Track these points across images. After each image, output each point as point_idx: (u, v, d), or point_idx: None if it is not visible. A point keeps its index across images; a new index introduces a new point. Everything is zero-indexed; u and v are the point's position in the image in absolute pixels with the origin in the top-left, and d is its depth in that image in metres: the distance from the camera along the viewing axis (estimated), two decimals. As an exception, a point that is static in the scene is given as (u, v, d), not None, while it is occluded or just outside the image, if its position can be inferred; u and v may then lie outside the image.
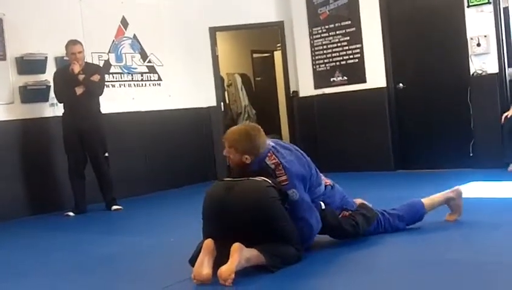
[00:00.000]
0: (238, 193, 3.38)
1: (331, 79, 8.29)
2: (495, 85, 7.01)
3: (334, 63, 8.25)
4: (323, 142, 8.28)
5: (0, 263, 4.42)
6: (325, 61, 8.33)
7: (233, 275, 3.10)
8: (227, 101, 10.47)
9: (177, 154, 8.00)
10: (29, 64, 6.64)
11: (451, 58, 7.42)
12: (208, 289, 3.14)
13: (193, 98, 8.34)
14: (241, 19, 8.63)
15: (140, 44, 7.84)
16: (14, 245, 5.13)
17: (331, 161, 7.69)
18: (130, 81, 7.71)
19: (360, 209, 3.94)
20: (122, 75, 7.64)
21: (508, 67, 7.05)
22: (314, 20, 8.38)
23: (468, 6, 7.10)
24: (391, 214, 4.04)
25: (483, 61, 7.04)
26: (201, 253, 3.26)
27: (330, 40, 8.26)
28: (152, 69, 7.95)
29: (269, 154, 3.59)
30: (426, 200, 4.17)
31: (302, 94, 8.63)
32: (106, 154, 6.52)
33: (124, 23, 7.67)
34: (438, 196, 4.25)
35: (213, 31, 8.61)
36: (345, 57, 8.15)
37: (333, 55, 8.25)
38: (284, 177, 3.52)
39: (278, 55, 10.17)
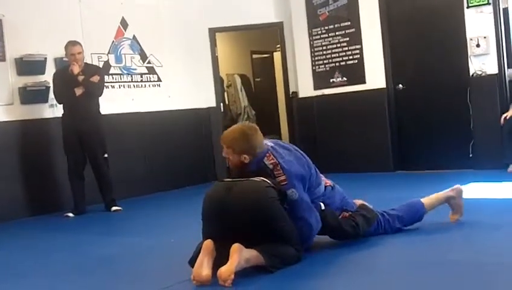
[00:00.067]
0: (237, 193, 3.38)
1: (331, 80, 8.29)
2: (494, 86, 7.01)
3: (333, 64, 8.25)
4: (322, 143, 8.28)
5: (0, 264, 4.41)
6: (325, 62, 8.33)
7: (232, 276, 3.10)
8: (226, 102, 10.48)
9: (177, 155, 8.00)
10: (28, 65, 6.64)
11: (450, 59, 7.42)
12: (207, 290, 3.14)
13: (193, 99, 8.34)
14: (240, 20, 8.63)
15: (139, 45, 7.84)
16: (13, 246, 5.13)
17: (330, 161, 7.68)
18: (129, 82, 7.71)
19: (360, 210, 3.94)
20: (121, 76, 7.63)
21: (508, 68, 7.05)
22: (313, 21, 8.38)
23: (468, 7, 7.10)
24: (391, 215, 4.04)
25: (482, 62, 7.04)
26: (200, 254, 3.25)
27: (330, 41, 8.26)
28: (152, 70, 7.95)
29: (267, 154, 3.59)
30: (426, 200, 4.16)
31: (301, 95, 8.63)
32: (106, 155, 6.51)
33: (124, 24, 7.67)
34: (437, 195, 4.25)
35: (213, 31, 8.61)
36: (344, 58, 8.15)
37: (333, 56, 8.25)
38: (282, 177, 3.51)
39: (277, 56, 10.17)
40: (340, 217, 3.82)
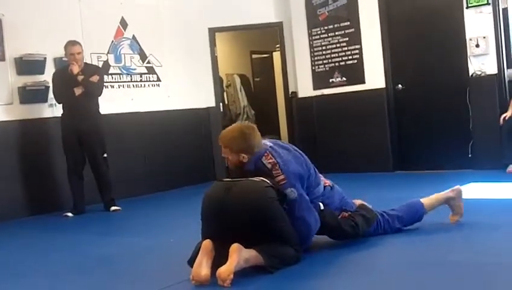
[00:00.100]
0: (236, 193, 3.38)
1: (330, 80, 8.29)
2: (494, 86, 7.02)
3: (333, 64, 8.26)
4: (322, 143, 8.28)
5: (-1, 264, 4.42)
6: (324, 62, 8.34)
7: (232, 276, 3.10)
8: (226, 102, 10.47)
9: (176, 155, 8.00)
10: (28, 65, 6.64)
11: (450, 59, 7.42)
12: (206, 290, 3.14)
13: (192, 99, 8.34)
14: (240, 20, 8.63)
15: (139, 45, 7.84)
16: (12, 246, 5.13)
17: (330, 161, 7.68)
18: (129, 81, 7.71)
19: (360, 210, 3.94)
20: (121, 75, 7.63)
21: (507, 68, 7.05)
22: (313, 21, 8.38)
23: (467, 7, 7.10)
24: (390, 215, 4.04)
25: (482, 62, 7.05)
26: (199, 254, 3.25)
27: (329, 41, 8.26)
28: (151, 70, 7.95)
29: (266, 153, 3.58)
30: (426, 200, 4.16)
31: (301, 95, 8.63)
32: (105, 155, 6.51)
33: (123, 23, 7.67)
34: (437, 196, 4.25)
35: (212, 31, 8.61)
36: (344, 58, 8.16)
37: (332, 56, 8.25)
38: (281, 177, 3.51)
39: (277, 56, 10.18)
40: (339, 217, 3.82)
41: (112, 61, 7.54)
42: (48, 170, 6.80)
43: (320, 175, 3.87)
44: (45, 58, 6.76)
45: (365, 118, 7.95)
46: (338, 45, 8.19)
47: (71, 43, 6.38)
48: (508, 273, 3.05)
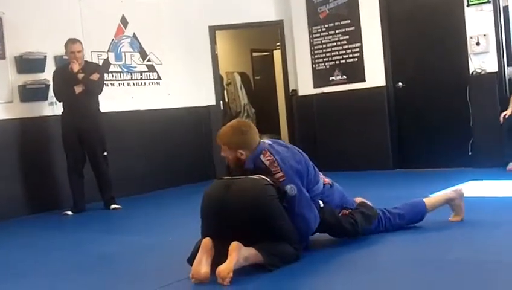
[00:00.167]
0: (236, 191, 3.38)
1: (331, 78, 8.29)
2: (494, 84, 7.02)
3: (333, 62, 8.25)
4: (322, 141, 8.28)
5: (-1, 262, 4.42)
6: (325, 60, 8.33)
7: (231, 274, 3.10)
8: (226, 100, 10.46)
9: (176, 153, 8.00)
10: (28, 63, 6.63)
11: (450, 57, 7.42)
12: (206, 288, 3.14)
13: (192, 97, 8.34)
14: (240, 18, 8.62)
15: (139, 43, 7.83)
16: (12, 244, 5.13)
17: (330, 159, 7.69)
18: (129, 80, 7.70)
19: (360, 208, 3.94)
20: (121, 74, 7.63)
21: (507, 66, 7.05)
22: (313, 19, 8.37)
23: (468, 5, 7.10)
24: (392, 213, 4.03)
25: (482, 60, 7.05)
26: (199, 252, 3.25)
27: (330, 39, 8.26)
28: (151, 68, 7.95)
29: (264, 151, 3.59)
30: (428, 200, 4.16)
31: (301, 93, 8.63)
32: (105, 153, 6.51)
33: (124, 22, 7.67)
34: (439, 196, 4.25)
35: (212, 29, 8.61)
36: (344, 56, 8.15)
37: (333, 54, 8.25)
38: (280, 174, 3.51)
39: (277, 54, 10.16)
40: (339, 214, 3.82)
41: (112, 60, 7.53)
42: (48, 168, 6.80)
43: (319, 173, 3.87)
44: (45, 56, 6.76)
45: (365, 116, 7.95)
46: (338, 43, 8.19)
47: (71, 41, 6.38)
48: (509, 271, 3.05)
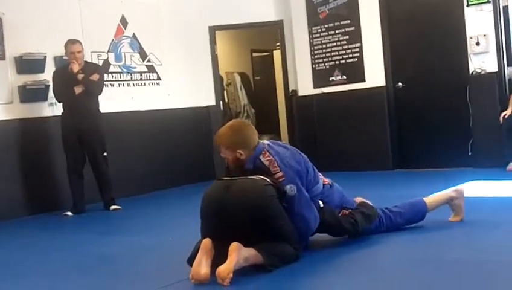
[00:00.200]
0: (236, 191, 3.38)
1: (330, 78, 8.28)
2: (494, 84, 7.02)
3: (333, 62, 8.25)
4: (322, 141, 8.28)
5: (-1, 263, 4.42)
6: (325, 60, 8.33)
7: (231, 275, 3.09)
8: (226, 100, 10.47)
9: (176, 153, 8.00)
10: (28, 64, 6.63)
11: (450, 57, 7.42)
12: (206, 289, 3.14)
13: (192, 97, 8.34)
14: (240, 18, 8.62)
15: (139, 43, 7.83)
16: (12, 245, 5.13)
17: (330, 160, 7.68)
18: (129, 80, 7.70)
19: (360, 208, 3.93)
20: (121, 74, 7.63)
21: (507, 66, 7.05)
22: (313, 19, 8.37)
23: (468, 5, 7.10)
24: (393, 212, 4.03)
25: (482, 60, 7.05)
26: (199, 252, 3.25)
27: (329, 39, 8.26)
28: (151, 69, 7.95)
29: (263, 152, 3.59)
30: (428, 199, 4.16)
31: (301, 93, 8.63)
32: (105, 154, 6.51)
33: (124, 22, 7.67)
34: (439, 195, 4.25)
35: (212, 30, 8.61)
36: (344, 56, 8.15)
37: (332, 54, 8.25)
38: (280, 174, 3.51)
39: (277, 54, 10.17)
40: (339, 214, 3.82)
41: (112, 60, 7.53)
42: (47, 169, 6.80)
43: (319, 174, 3.87)
44: (45, 57, 6.76)
45: (365, 116, 7.95)
46: (338, 43, 8.19)
47: (71, 42, 6.37)
48: (508, 271, 3.05)
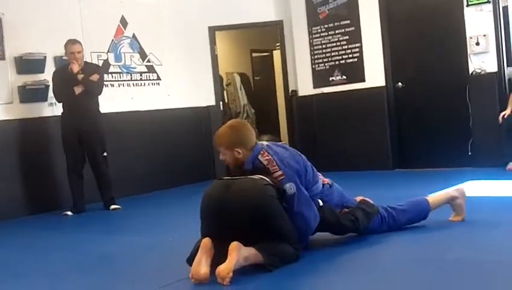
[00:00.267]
0: (236, 191, 3.38)
1: (330, 78, 8.28)
2: (494, 84, 7.02)
3: (333, 62, 8.25)
4: (322, 141, 8.28)
5: (-1, 263, 4.42)
6: (324, 60, 8.33)
7: (231, 274, 3.09)
8: (226, 101, 10.47)
9: (176, 153, 8.00)
10: (28, 64, 6.63)
11: (450, 57, 7.43)
12: (205, 288, 3.14)
13: (192, 98, 8.34)
14: (240, 18, 8.62)
15: (139, 43, 7.83)
16: (12, 245, 5.13)
17: (330, 160, 7.69)
18: (129, 80, 7.70)
19: (360, 205, 3.93)
20: (121, 74, 7.63)
21: (507, 66, 7.05)
22: (313, 20, 8.37)
23: (468, 5, 7.10)
24: (396, 210, 4.02)
25: (482, 60, 7.05)
26: (199, 252, 3.25)
27: (329, 40, 8.26)
28: (151, 69, 7.95)
29: (262, 152, 3.60)
30: (430, 198, 4.16)
31: (301, 93, 8.62)
32: (105, 154, 6.51)
33: (123, 22, 7.67)
34: (441, 195, 4.25)
35: (212, 30, 8.61)
36: (344, 56, 8.15)
37: (332, 54, 8.25)
38: (279, 173, 3.52)
39: (277, 54, 10.17)
40: (340, 213, 3.82)
41: (111, 60, 7.53)
42: (47, 169, 6.80)
43: (318, 173, 3.87)
44: (45, 57, 6.76)
45: (365, 116, 7.95)
46: (338, 43, 8.19)
47: (71, 42, 6.38)
48: (508, 271, 3.05)
